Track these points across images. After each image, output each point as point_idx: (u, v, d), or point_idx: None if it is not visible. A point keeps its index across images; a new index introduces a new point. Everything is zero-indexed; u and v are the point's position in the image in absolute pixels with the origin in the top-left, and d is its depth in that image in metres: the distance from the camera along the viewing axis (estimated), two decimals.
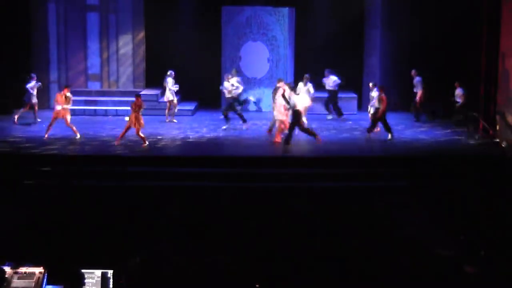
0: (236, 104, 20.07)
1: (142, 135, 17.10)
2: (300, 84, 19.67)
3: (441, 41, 21.22)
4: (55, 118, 17.98)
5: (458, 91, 19.66)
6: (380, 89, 18.50)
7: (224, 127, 19.60)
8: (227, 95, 19.99)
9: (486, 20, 18.66)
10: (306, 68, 21.54)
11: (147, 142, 17.14)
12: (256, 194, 14.86)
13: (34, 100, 20.22)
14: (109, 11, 23.14)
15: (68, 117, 17.99)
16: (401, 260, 8.81)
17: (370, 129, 18.57)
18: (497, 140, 17.96)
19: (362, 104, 22.73)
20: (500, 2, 18.34)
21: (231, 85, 19.82)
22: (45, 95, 22.11)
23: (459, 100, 19.69)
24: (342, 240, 10.87)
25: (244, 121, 19.82)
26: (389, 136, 18.20)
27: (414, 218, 13.32)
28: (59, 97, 18.09)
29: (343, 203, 14.18)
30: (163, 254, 8.80)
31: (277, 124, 18.14)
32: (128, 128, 17.16)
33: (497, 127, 18.40)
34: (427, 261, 8.44)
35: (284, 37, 22.72)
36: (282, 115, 17.78)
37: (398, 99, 22.35)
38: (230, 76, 20.19)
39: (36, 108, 20.35)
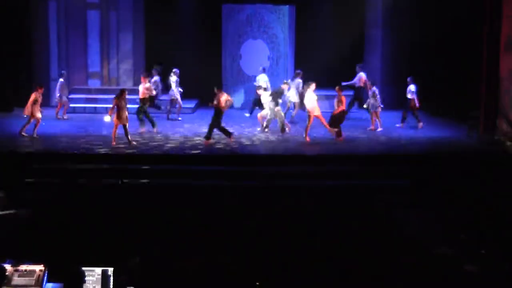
0: (147, 107, 19.17)
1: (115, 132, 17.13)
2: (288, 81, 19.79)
3: (442, 41, 21.20)
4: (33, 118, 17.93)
5: (410, 88, 19.59)
6: (339, 90, 18.38)
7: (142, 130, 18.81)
8: (140, 96, 19.04)
9: (488, 18, 18.64)
10: (306, 66, 21.57)
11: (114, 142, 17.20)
12: (256, 192, 14.85)
13: (63, 98, 20.49)
14: (109, 9, 23.14)
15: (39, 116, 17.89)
16: (401, 259, 8.82)
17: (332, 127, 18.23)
18: (499, 138, 17.95)
19: (362, 102, 22.72)
20: (501, 0, 18.34)
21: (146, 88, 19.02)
22: (45, 92, 22.05)
23: (409, 96, 19.63)
24: (342, 239, 10.88)
25: (142, 126, 18.86)
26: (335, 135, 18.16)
27: (414, 216, 13.33)
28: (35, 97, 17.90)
29: (343, 202, 14.18)
30: (163, 253, 8.81)
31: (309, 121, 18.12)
32: (117, 125, 17.16)
33: (502, 126, 18.39)
34: (427, 261, 8.45)
35: (284, 35, 22.71)
36: (316, 110, 17.78)
37: (399, 98, 22.34)
38: (145, 76, 19.43)
39: (62, 105, 20.72)
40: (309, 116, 17.93)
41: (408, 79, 19.68)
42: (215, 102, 17.50)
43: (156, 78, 20.62)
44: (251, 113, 21.28)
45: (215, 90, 17.77)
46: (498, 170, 15.70)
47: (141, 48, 23.75)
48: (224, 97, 17.57)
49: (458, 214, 12.85)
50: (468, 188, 14.64)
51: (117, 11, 23.14)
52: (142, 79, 19.22)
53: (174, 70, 20.86)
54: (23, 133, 17.81)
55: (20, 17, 21.79)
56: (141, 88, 18.96)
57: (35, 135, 17.74)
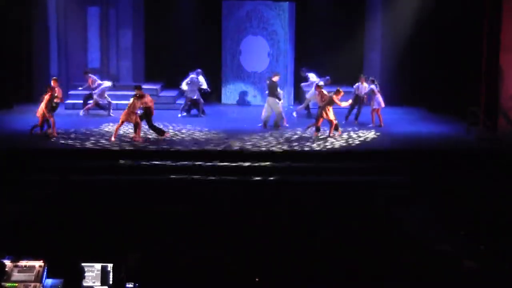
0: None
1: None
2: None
3: (441, 38, 21.18)
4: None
5: (362, 86, 19.56)
6: (319, 87, 18.36)
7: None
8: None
9: (487, 15, 18.64)
10: (306, 63, 21.57)
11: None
12: (256, 189, 14.86)
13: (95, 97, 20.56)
14: (109, 5, 23.09)
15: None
16: (401, 256, 8.82)
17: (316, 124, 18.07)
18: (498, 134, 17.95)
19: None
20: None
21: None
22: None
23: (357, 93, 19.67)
24: (341, 235, 10.88)
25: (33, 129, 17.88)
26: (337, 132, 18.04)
27: (413, 213, 13.34)
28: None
29: (342, 198, 14.19)
30: (164, 249, 8.82)
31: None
32: (123, 122, 17.20)
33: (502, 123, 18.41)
34: (427, 258, 8.45)
35: (284, 31, 22.69)
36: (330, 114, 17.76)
37: (398, 94, 22.38)
38: (55, 79, 18.79)
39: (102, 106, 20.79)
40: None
41: (361, 79, 19.76)
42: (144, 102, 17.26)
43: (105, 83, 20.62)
44: (188, 112, 21.12)
45: (138, 89, 17.56)
46: (497, 167, 15.71)
47: (141, 45, 23.72)
48: (149, 97, 17.55)
49: (457, 210, 12.86)
50: (467, 185, 14.64)
51: (116, 8, 23.09)
52: (53, 83, 18.49)
53: (198, 70, 20.77)
54: (55, 134, 17.51)
55: (19, 13, 21.75)
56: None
57: (33, 133, 17.61)
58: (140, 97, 17.20)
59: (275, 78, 19.10)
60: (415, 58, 22.10)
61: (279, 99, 18.93)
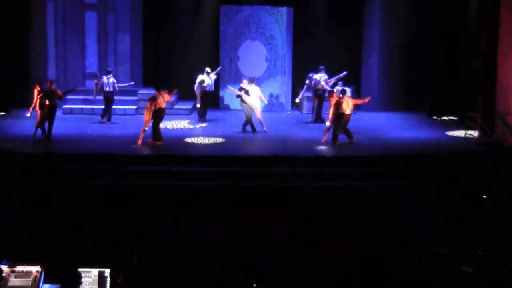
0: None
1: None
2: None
3: (439, 42, 21.21)
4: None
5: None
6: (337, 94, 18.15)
7: None
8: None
9: (485, 20, 18.68)
10: (305, 67, 21.59)
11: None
12: (254, 194, 14.84)
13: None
14: (107, 10, 23.11)
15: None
16: (400, 259, 8.82)
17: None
18: (495, 139, 17.95)
19: (361, 104, 22.69)
20: (499, 2, 18.36)
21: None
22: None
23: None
24: (340, 240, 10.88)
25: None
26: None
27: (413, 217, 13.34)
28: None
29: (341, 203, 14.19)
30: (161, 254, 8.81)
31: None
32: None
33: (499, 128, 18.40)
34: (426, 260, 8.45)
35: (282, 36, 22.71)
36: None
37: (396, 99, 22.39)
38: (39, 84, 18.35)
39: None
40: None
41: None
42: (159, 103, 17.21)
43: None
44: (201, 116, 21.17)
45: (157, 90, 17.45)
46: (495, 171, 15.72)
47: (139, 50, 23.72)
48: (166, 96, 17.48)
49: (456, 214, 12.87)
50: (465, 189, 14.65)
51: (115, 12, 23.11)
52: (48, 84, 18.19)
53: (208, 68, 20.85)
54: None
55: (17, 18, 21.75)
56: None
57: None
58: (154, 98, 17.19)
59: (245, 82, 19.31)
60: (413, 63, 22.12)
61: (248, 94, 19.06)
